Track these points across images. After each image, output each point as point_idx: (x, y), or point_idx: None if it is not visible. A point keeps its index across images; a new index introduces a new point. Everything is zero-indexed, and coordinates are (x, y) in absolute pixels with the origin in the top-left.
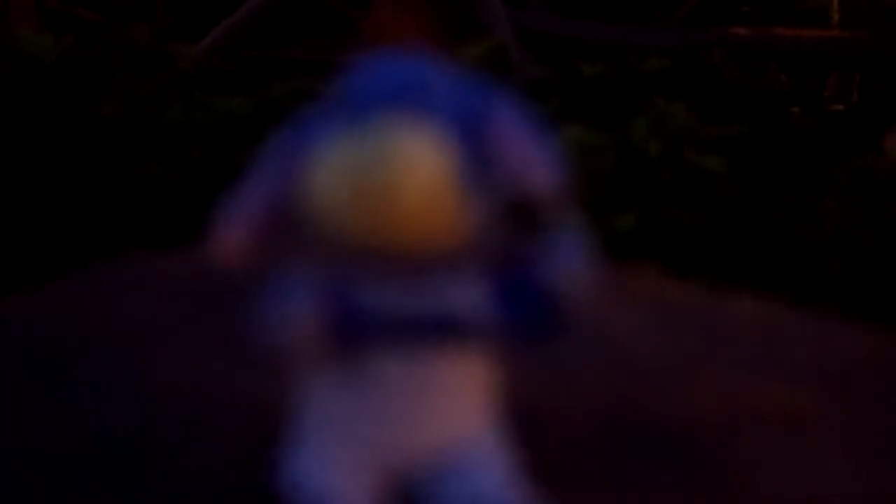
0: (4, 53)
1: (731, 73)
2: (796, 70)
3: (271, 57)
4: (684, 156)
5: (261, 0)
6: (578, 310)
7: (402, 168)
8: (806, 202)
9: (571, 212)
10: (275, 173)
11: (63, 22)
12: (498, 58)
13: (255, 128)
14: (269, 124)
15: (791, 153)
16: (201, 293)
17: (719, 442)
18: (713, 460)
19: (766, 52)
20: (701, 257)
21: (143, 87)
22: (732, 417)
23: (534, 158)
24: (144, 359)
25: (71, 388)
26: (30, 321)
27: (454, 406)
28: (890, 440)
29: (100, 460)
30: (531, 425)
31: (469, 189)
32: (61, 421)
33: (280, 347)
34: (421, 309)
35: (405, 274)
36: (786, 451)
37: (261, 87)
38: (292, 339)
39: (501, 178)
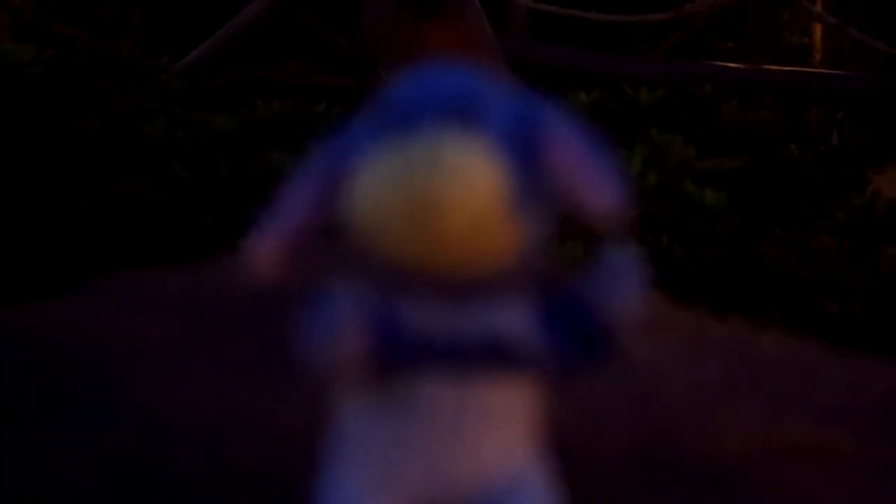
0: None
1: (727, 107)
2: (780, 106)
3: (253, 77)
4: (683, 188)
5: (245, 20)
6: (626, 339)
7: (450, 183)
8: (800, 239)
9: (627, 237)
10: (315, 185)
11: (38, 36)
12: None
13: (240, 146)
14: (253, 143)
15: (787, 189)
16: (208, 311)
17: (753, 478)
18: (747, 496)
19: (753, 86)
20: (697, 290)
21: (125, 102)
22: (765, 453)
23: (592, 178)
24: (146, 381)
25: (68, 411)
26: (19, 339)
27: (497, 437)
28: None
29: (108, 493)
30: (560, 459)
31: (521, 207)
32: (61, 449)
33: (317, 370)
34: (466, 333)
35: (451, 295)
36: (820, 487)
37: (243, 106)
38: (331, 362)
39: (555, 197)
